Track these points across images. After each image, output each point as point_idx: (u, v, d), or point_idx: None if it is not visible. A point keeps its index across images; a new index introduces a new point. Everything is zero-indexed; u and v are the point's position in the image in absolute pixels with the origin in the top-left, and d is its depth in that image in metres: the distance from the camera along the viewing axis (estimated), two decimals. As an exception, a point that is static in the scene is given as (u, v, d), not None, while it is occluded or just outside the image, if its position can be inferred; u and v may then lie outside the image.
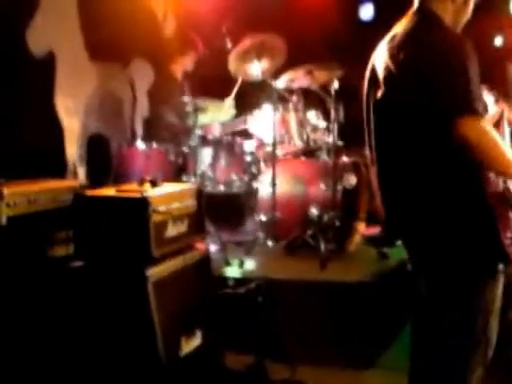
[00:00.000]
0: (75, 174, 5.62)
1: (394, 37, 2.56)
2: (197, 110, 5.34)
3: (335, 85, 5.01)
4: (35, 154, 4.67)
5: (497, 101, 3.95)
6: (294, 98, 5.36)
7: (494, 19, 6.59)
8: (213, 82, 6.14)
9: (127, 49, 6.21)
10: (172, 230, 3.47)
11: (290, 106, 5.35)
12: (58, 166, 5.36)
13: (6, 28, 4.75)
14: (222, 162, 5.40)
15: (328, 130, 5.24)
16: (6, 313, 3.31)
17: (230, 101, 5.85)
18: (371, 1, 7.82)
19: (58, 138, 5.48)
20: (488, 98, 3.92)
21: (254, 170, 5.44)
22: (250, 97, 5.82)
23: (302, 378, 3.74)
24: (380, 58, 2.58)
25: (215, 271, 4.20)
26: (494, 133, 2.31)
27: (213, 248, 4.83)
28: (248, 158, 5.46)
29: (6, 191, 3.36)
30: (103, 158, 5.89)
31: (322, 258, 4.58)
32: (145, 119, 6.40)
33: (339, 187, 5.01)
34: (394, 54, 2.49)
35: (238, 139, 5.51)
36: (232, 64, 5.42)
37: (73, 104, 5.68)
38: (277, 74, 5.28)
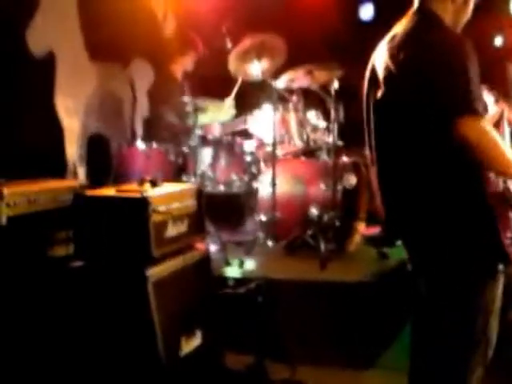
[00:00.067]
0: (75, 174, 5.61)
1: (394, 37, 2.56)
2: (197, 110, 5.33)
3: (335, 85, 5.01)
4: (35, 154, 4.67)
5: (497, 101, 3.95)
6: (294, 97, 5.35)
7: (494, 19, 6.59)
8: (213, 82, 6.14)
9: (127, 49, 6.21)
10: (172, 230, 3.47)
11: (290, 105, 5.34)
12: (57, 166, 5.36)
13: (5, 28, 4.74)
14: (222, 162, 5.40)
15: (328, 130, 5.24)
16: (6, 313, 3.31)
17: (230, 101, 5.85)
18: (371, 1, 7.82)
19: (58, 137, 5.47)
20: (488, 97, 3.92)
21: (254, 170, 5.44)
22: (250, 97, 5.82)
23: (301, 378, 3.73)
24: (380, 58, 2.58)
25: (215, 271, 4.20)
26: (494, 133, 2.31)
27: (213, 248, 4.83)
28: (248, 158, 5.45)
29: (6, 191, 3.35)
30: (103, 158, 5.88)
31: (322, 257, 4.58)
32: (145, 119, 6.40)
33: (339, 187, 5.01)
34: (394, 54, 2.48)
35: (238, 139, 5.51)
36: (232, 64, 5.42)
37: (73, 104, 5.68)
38: (277, 74, 5.28)
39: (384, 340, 4.11)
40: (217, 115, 5.77)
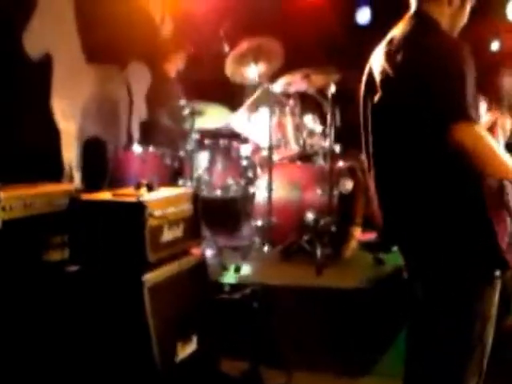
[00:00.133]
0: (71, 178, 5.60)
1: (391, 40, 2.55)
2: (194, 113, 5.31)
3: (332, 89, 5.00)
4: (31, 157, 4.67)
5: (489, 109, 3.94)
6: (291, 101, 5.34)
7: (490, 24, 6.60)
8: (210, 85, 6.13)
9: (124, 51, 6.21)
10: (168, 235, 3.46)
11: (287, 110, 5.32)
12: (54, 170, 5.35)
13: (2, 30, 4.74)
14: (219, 166, 5.38)
15: (324, 134, 5.23)
16: (1, 317, 3.29)
17: (242, 111, 5.50)
18: (368, 5, 7.83)
19: (54, 140, 5.47)
20: (482, 104, 3.91)
21: (250, 174, 5.42)
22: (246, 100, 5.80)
23: (297, 384, 3.73)
24: (377, 62, 2.57)
25: (211, 276, 4.18)
26: (489, 138, 2.30)
27: (209, 253, 4.81)
28: (244, 163, 5.44)
29: (1, 195, 3.35)
30: (99, 162, 5.87)
31: (318, 263, 4.57)
32: (141, 122, 6.40)
33: (335, 192, 5.00)
34: (390, 58, 2.48)
35: (235, 143, 5.49)
36: (229, 67, 5.41)
37: (69, 107, 5.67)
38: (274, 77, 5.27)
39: (380, 346, 4.09)
40: (214, 119, 5.75)
